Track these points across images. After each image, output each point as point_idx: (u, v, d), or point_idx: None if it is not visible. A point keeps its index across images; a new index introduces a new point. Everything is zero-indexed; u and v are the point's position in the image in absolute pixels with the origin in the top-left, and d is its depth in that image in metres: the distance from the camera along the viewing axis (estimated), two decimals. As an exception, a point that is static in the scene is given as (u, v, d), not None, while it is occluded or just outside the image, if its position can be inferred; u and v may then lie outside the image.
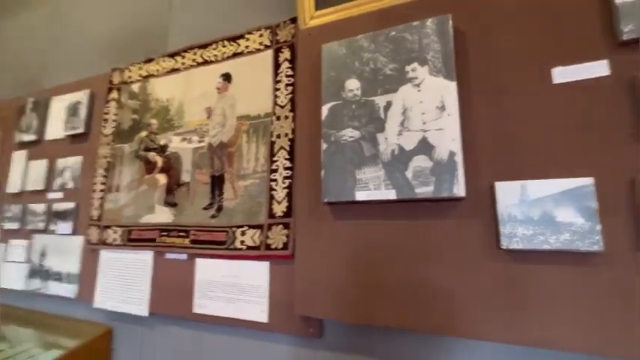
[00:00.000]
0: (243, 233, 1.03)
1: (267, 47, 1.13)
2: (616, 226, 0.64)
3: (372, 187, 0.83)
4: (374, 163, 0.84)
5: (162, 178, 1.23)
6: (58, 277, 1.38)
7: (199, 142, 1.19)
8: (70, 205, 1.42)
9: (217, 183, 1.12)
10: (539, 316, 0.67)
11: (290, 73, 1.07)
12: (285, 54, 1.09)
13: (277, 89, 1.08)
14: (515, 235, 0.70)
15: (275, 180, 1.02)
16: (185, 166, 1.19)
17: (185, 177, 1.19)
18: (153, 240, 1.19)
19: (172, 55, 1.32)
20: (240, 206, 1.06)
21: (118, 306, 1.21)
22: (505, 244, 0.70)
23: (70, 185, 1.45)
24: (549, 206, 0.68)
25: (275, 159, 1.04)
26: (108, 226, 1.29)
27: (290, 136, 1.03)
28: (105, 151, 1.38)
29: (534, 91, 0.74)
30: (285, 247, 0.96)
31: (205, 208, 1.12)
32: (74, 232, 1.40)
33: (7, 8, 2.14)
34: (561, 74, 0.73)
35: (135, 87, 1.38)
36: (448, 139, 0.77)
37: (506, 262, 0.71)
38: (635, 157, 0.65)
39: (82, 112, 1.47)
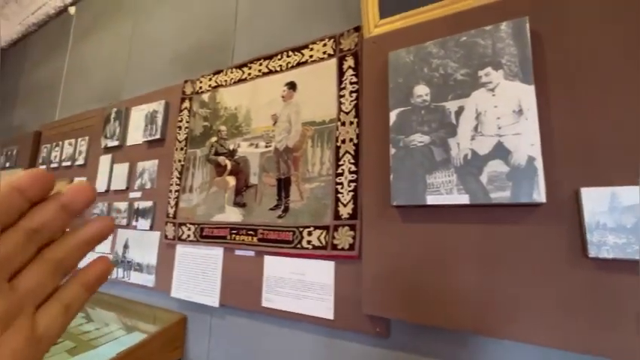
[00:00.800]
0: (309, 233, 1.09)
1: (330, 56, 1.19)
2: None
3: (444, 191, 0.84)
4: (445, 167, 0.85)
5: (231, 181, 1.34)
6: (138, 267, 1.55)
7: (266, 146, 1.27)
8: (148, 203, 1.59)
9: (284, 185, 1.19)
10: (629, 328, 0.64)
11: (354, 80, 1.11)
12: (349, 62, 1.14)
13: (342, 96, 1.13)
14: (605, 244, 0.67)
15: (340, 183, 1.07)
16: (253, 169, 1.29)
17: (253, 179, 1.28)
18: (224, 237, 1.29)
19: (240, 67, 1.42)
20: (306, 207, 1.12)
21: (192, 296, 1.34)
22: (593, 252, 0.68)
23: (148, 186, 1.62)
24: (645, 214, 0.65)
25: (340, 163, 1.08)
26: (182, 224, 1.43)
27: (355, 141, 1.07)
28: (179, 156, 1.53)
29: (622, 93, 0.71)
30: (351, 247, 1.01)
31: (272, 209, 1.20)
32: (152, 228, 1.56)
33: (94, 29, 2.44)
34: (658, 74, 0.69)
35: (205, 97, 1.51)
36: (526, 143, 0.76)
37: (593, 270, 0.69)
38: None
39: (159, 120, 1.64)
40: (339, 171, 1.08)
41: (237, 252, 1.27)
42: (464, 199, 0.81)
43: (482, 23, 0.87)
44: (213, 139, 1.44)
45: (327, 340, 1.05)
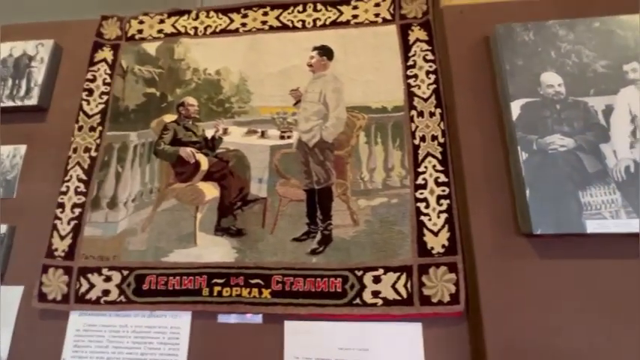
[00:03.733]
0: (377, 280, 0.68)
1: (386, 21, 0.85)
2: None
3: (607, 214, 0.61)
4: (603, 182, 0.62)
5: (210, 190, 0.77)
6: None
7: (282, 137, 0.79)
8: (-6, 229, 0.79)
9: (320, 200, 0.74)
10: None
11: (430, 57, 0.80)
12: (417, 33, 0.83)
13: (412, 76, 0.80)
14: None
15: (424, 200, 0.71)
16: (256, 173, 0.77)
17: (256, 189, 0.76)
18: (196, 292, 0.70)
19: (225, 11, 0.90)
20: (366, 237, 0.70)
21: (111, 418, 0.66)
22: None
23: (-3, 194, 0.83)
24: None
25: (420, 170, 0.73)
26: (89, 269, 0.74)
27: (440, 139, 0.74)
28: (86, 141, 0.83)
29: None
30: (453, 299, 0.65)
31: (299, 240, 0.72)
32: (2, 279, 0.77)
33: None
34: None
35: (150, 47, 0.90)
36: (703, 156, 0.61)
37: None
38: None
39: (35, 74, 0.89)
40: (420, 181, 0.72)
41: (223, 318, 0.70)
42: (635, 225, 0.59)
43: (604, 11, 0.73)
44: (170, 117, 0.84)
45: None
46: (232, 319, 0.70)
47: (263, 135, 0.80)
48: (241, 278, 0.71)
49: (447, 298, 0.65)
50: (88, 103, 0.86)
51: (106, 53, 0.91)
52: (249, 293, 0.70)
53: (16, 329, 0.74)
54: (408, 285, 0.67)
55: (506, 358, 0.60)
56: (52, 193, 0.81)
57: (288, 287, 0.69)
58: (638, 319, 0.59)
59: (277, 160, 0.78)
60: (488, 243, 0.66)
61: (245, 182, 0.77)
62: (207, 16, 0.91)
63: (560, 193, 0.63)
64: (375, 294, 0.67)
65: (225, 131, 0.81)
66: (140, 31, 0.92)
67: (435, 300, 0.65)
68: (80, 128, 0.84)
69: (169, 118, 0.84)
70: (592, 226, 0.60)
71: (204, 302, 0.70)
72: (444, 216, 0.70)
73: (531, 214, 0.62)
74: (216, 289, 0.70)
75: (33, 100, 0.86)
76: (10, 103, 0.87)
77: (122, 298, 0.72)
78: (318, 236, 0.72)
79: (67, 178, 0.81)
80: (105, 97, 0.87)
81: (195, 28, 0.90)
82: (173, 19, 0.92)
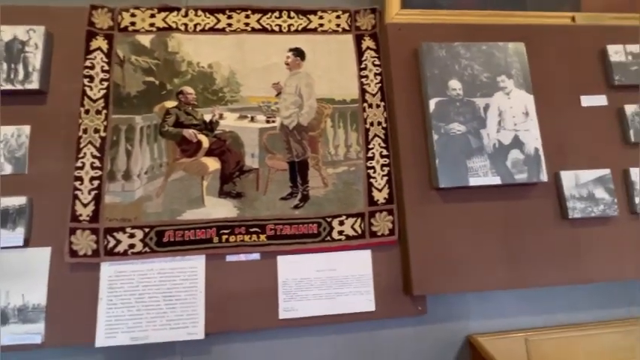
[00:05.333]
0: (341, 223, 0.98)
1: (345, 31, 1.10)
2: (621, 200, 1.04)
3: (481, 174, 0.98)
4: (480, 154, 0.99)
5: (212, 163, 0.98)
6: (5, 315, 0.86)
7: (267, 121, 1.02)
8: (14, 200, 0.91)
9: (299, 169, 1.00)
10: (590, 261, 0.99)
11: (377, 63, 1.08)
12: (368, 42, 1.10)
13: (364, 76, 1.07)
14: (575, 208, 1.00)
15: (372, 167, 1.02)
16: (249, 149, 1.00)
17: (250, 162, 0.99)
18: (207, 241, 0.93)
19: (212, 11, 1.06)
20: (333, 195, 1.00)
21: (148, 336, 0.89)
22: (570, 215, 1.00)
23: (7, 170, 0.93)
24: (591, 187, 1.02)
25: (370, 146, 1.03)
26: (114, 229, 0.92)
27: (384, 124, 1.05)
28: (94, 123, 0.96)
29: (571, 110, 1.08)
30: (391, 232, 0.99)
31: (285, 199, 0.98)
32: (27, 243, 0.91)
33: None
34: (585, 100, 1.09)
35: (144, 39, 1.03)
36: (533, 138, 1.01)
37: (569, 227, 1.01)
38: (625, 157, 1.07)
39: (32, 58, 0.96)
40: (370, 155, 1.03)
41: (230, 258, 0.95)
42: (497, 180, 0.98)
43: (490, 39, 1.07)
44: (171, 103, 1.00)
45: (367, 335, 0.98)
46: (236, 257, 0.95)
47: (252, 119, 1.02)
48: (243, 228, 0.95)
49: (387, 232, 0.98)
50: (91, 88, 0.97)
51: (101, 42, 1.01)
52: (250, 238, 0.95)
53: (50, 282, 0.89)
54: (362, 225, 0.98)
55: (423, 266, 0.96)
56: (64, 169, 0.94)
57: (279, 232, 0.96)
58: (495, 236, 0.98)
59: (265, 140, 1.01)
60: (413, 195, 0.99)
61: (240, 156, 0.99)
62: (196, 15, 1.05)
63: (456, 161, 0.98)
64: (340, 233, 0.98)
65: (220, 116, 1.01)
66: (133, 24, 1.03)
67: (379, 234, 0.98)
68: (87, 111, 0.96)
69: (170, 104, 1.00)
70: (473, 181, 0.97)
71: (215, 247, 0.93)
72: (385, 178, 1.02)
73: (438, 175, 0.96)
74: (224, 237, 0.94)
75: (34, 85, 0.94)
76: (10, 87, 0.94)
77: (147, 249, 0.92)
78: (299, 195, 0.99)
79: (80, 155, 0.94)
80: (105, 84, 0.99)
81: (186, 25, 1.05)
82: (163, 14, 1.05)
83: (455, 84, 1.02)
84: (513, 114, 1.02)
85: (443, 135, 0.99)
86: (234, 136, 1.00)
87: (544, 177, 0.99)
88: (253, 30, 1.07)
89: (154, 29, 1.03)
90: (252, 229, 0.95)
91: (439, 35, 1.07)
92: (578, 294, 1.05)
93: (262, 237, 0.95)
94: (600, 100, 1.10)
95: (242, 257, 0.95)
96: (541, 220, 1.00)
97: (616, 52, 1.11)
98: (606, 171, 1.03)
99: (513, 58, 1.05)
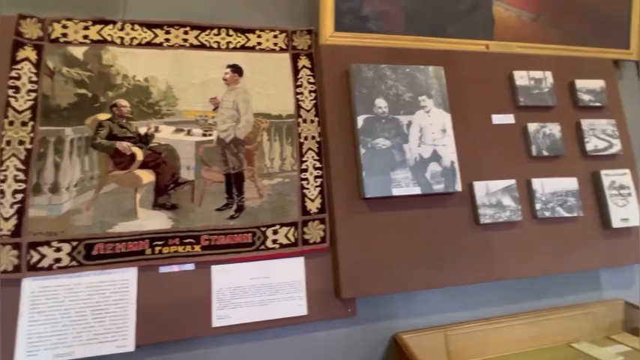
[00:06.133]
0: (275, 232, 1.03)
1: (282, 50, 1.16)
2: (525, 206, 1.18)
3: (404, 184, 1.08)
4: (403, 166, 1.09)
5: (147, 176, 1.00)
6: None
7: (204, 135, 1.05)
8: None
9: (235, 181, 1.04)
10: (500, 261, 1.12)
11: (312, 80, 1.16)
12: (304, 61, 1.17)
13: (299, 93, 1.14)
14: (486, 215, 1.13)
15: (306, 179, 1.08)
16: (185, 162, 1.03)
17: (185, 174, 1.02)
18: (140, 253, 0.94)
19: (150, 26, 1.08)
20: (268, 205, 1.05)
21: (74, 351, 0.88)
22: (481, 220, 1.12)
23: None
24: (499, 196, 1.16)
25: (304, 159, 1.10)
26: (38, 243, 0.90)
27: (317, 138, 1.12)
28: (19, 134, 0.94)
29: (484, 127, 1.22)
30: (322, 240, 1.05)
31: (220, 209, 1.02)
32: (-61, 261, 0.86)
33: None
34: (496, 119, 1.24)
35: (77, 51, 1.02)
36: (449, 152, 1.13)
37: (481, 231, 1.14)
38: (529, 168, 1.22)
39: (-51, 67, 0.93)
40: (304, 167, 1.09)
41: (164, 269, 0.97)
42: (417, 190, 1.08)
43: (414, 62, 1.19)
44: (104, 115, 1.00)
45: (300, 338, 1.03)
46: (170, 269, 0.97)
47: (189, 133, 1.05)
48: (177, 239, 0.97)
49: (319, 240, 1.05)
50: (16, 99, 0.95)
51: (29, 52, 0.99)
52: (184, 249, 0.97)
53: (-35, 300, 0.86)
54: (295, 234, 1.04)
55: (351, 271, 1.03)
56: (-15, 182, 0.91)
57: (213, 242, 0.99)
58: (418, 241, 1.08)
59: (201, 152, 1.04)
60: (343, 205, 1.07)
61: (176, 169, 1.02)
62: (133, 29, 1.07)
63: (381, 173, 1.07)
64: (274, 241, 1.03)
65: (156, 129, 1.02)
66: (64, 35, 1.02)
67: (311, 242, 1.04)
68: (11, 123, 0.94)
69: (104, 116, 1.00)
70: (396, 191, 1.07)
71: (147, 259, 0.95)
72: (318, 189, 1.08)
73: (364, 186, 1.05)
74: (157, 248, 0.96)
75: (-49, 95, 0.91)
76: None
77: (74, 263, 0.91)
78: (235, 206, 1.03)
79: (3, 168, 0.91)
80: (33, 95, 0.97)
81: (122, 38, 1.06)
82: (98, 26, 1.05)
83: (381, 102, 1.12)
84: (432, 130, 1.14)
85: (369, 149, 1.08)
86: (169, 149, 1.02)
87: (458, 187, 1.10)
88: (192, 46, 1.10)
89: (88, 41, 1.04)
90: (186, 240, 0.97)
91: (368, 57, 1.17)
92: (492, 291, 1.18)
93: (197, 247, 0.98)
94: (508, 119, 1.25)
95: (175, 268, 0.97)
96: (457, 225, 1.12)
97: (521, 77, 1.28)
98: (512, 181, 1.18)
99: (433, 80, 1.17)
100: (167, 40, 1.09)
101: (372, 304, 1.09)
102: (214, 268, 0.99)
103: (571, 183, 1.23)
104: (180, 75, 1.07)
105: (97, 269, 0.92)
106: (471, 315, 1.14)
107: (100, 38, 1.05)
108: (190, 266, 0.98)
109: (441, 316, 1.13)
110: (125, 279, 0.94)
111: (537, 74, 1.29)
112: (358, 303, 1.07)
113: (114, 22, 1.06)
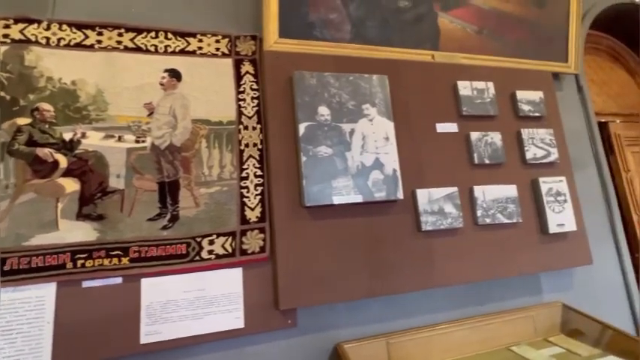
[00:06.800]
0: (211, 242, 1.00)
1: (225, 55, 1.14)
2: (467, 213, 1.21)
3: (345, 192, 1.08)
4: (345, 174, 1.09)
5: (70, 184, 0.94)
6: None
7: (137, 141, 1.01)
8: None
9: (169, 190, 1.00)
10: (441, 267, 1.14)
11: (255, 87, 1.14)
12: (247, 67, 1.15)
13: (242, 99, 1.12)
14: (427, 222, 1.15)
15: (246, 187, 1.06)
16: (114, 170, 0.98)
17: (115, 183, 0.97)
18: (60, 267, 0.88)
19: (80, 26, 1.03)
20: (204, 214, 1.01)
21: (-22, 376, 0.81)
22: (423, 228, 1.14)
23: None
24: (441, 203, 1.18)
25: (245, 167, 1.07)
26: (-60, 259, 0.82)
27: (259, 146, 1.10)
28: None
29: (428, 135, 1.25)
30: (262, 250, 1.03)
31: (152, 219, 0.97)
32: None
33: None
34: (440, 127, 1.27)
35: (-5, 51, 0.96)
36: (392, 160, 1.14)
37: (423, 239, 1.15)
38: (471, 176, 1.25)
39: None
40: (244, 175, 1.07)
41: (87, 284, 0.91)
42: (359, 199, 1.08)
43: (359, 70, 1.20)
44: (24, 120, 0.94)
45: (237, 351, 1.00)
46: (93, 283, 0.91)
47: (120, 139, 1.00)
48: (102, 252, 0.92)
49: (257, 250, 1.02)
50: None
51: (-62, 51, 0.92)
52: (110, 262, 0.92)
53: None
54: (233, 244, 1.01)
55: (291, 281, 1.01)
56: None
57: (144, 254, 0.94)
58: (360, 249, 1.08)
59: (133, 160, 1.00)
60: (284, 213, 1.05)
61: (104, 177, 0.97)
62: (60, 29, 1.01)
63: (322, 181, 1.06)
64: (210, 252, 0.99)
65: (83, 135, 0.97)
66: (-19, 34, 0.96)
67: (250, 252, 1.02)
68: None
69: (23, 121, 0.94)
70: (337, 200, 1.06)
71: (68, 273, 0.89)
72: (258, 197, 1.06)
73: (305, 194, 1.04)
74: (80, 262, 0.90)
75: None
76: None
77: (-18, 279, 0.84)
78: (168, 216, 0.99)
79: None
80: (-59, 97, 0.90)
81: (47, 39, 1.00)
82: (21, 25, 0.99)
83: (324, 110, 1.11)
84: (375, 138, 1.14)
85: (311, 157, 1.07)
86: (98, 156, 0.97)
87: (400, 195, 1.11)
88: (126, 48, 1.05)
89: (9, 41, 0.97)
90: (113, 253, 0.92)
91: (313, 64, 1.16)
92: (435, 297, 1.19)
93: (124, 260, 0.93)
94: (452, 128, 1.28)
95: (98, 283, 0.91)
96: (399, 233, 1.13)
97: (464, 87, 1.31)
98: (454, 188, 1.20)
99: (377, 88, 1.18)
100: (99, 41, 1.04)
101: (314, 314, 1.07)
102: (144, 282, 0.94)
103: (511, 190, 1.27)
104: (112, 78, 1.02)
105: (9, 286, 0.85)
106: (413, 322, 1.15)
107: (23, 38, 0.98)
108: (117, 280, 0.93)
109: (384, 324, 1.12)
110: (41, 296, 0.87)
111: (480, 85, 1.34)
112: (299, 313, 1.05)
113: (39, 22, 1.00)
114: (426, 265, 1.13)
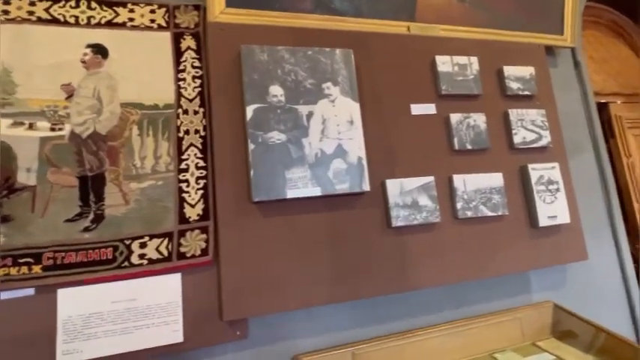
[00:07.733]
0: (142, 245, 0.86)
1: (162, 28, 0.98)
2: (445, 206, 1.07)
3: (301, 185, 0.93)
4: (301, 164, 0.95)
5: (-31, 181, 0.80)
6: None
7: (52, 129, 0.86)
8: None
9: (92, 186, 0.86)
10: (414, 268, 1.00)
11: (197, 64, 0.99)
12: (189, 42, 1.00)
13: (181, 79, 0.97)
14: (399, 217, 1.01)
15: (186, 181, 0.92)
16: (24, 163, 0.83)
17: (24, 178, 0.83)
18: (-46, 278, 0.75)
19: (-19, -6, 0.87)
20: (135, 213, 0.87)
21: None
22: (394, 223, 1.00)
23: None
24: (415, 195, 1.04)
25: (184, 157, 0.93)
26: None
27: (202, 133, 0.96)
28: None
29: (401, 118, 1.10)
30: (204, 252, 0.89)
31: (71, 220, 0.84)
32: None
33: None
34: (415, 109, 1.11)
35: None
36: (357, 147, 0.99)
37: (394, 236, 1.01)
38: (450, 163, 1.11)
39: None
40: (183, 166, 0.92)
41: (-8, 297, 0.78)
42: (317, 192, 0.94)
43: (321, 44, 1.04)
44: None
45: (175, 370, 0.87)
46: (2, 296, 0.78)
47: (31, 127, 0.85)
48: (9, 259, 0.78)
49: (198, 253, 0.89)
50: None
51: None
52: (19, 271, 0.78)
53: None
54: (169, 246, 0.87)
55: (237, 287, 0.88)
56: None
57: (59, 261, 0.81)
58: (320, 249, 0.94)
59: (48, 151, 0.85)
60: (229, 210, 0.91)
61: (11, 172, 0.82)
62: (-44, -3, 0.86)
63: (273, 173, 0.92)
64: (142, 256, 0.86)
65: (-15, 122, 0.83)
66: None
67: (189, 255, 0.88)
68: None
69: None
70: (291, 193, 0.92)
71: (-35, 285, 0.75)
72: (200, 192, 0.92)
73: (252, 187, 0.89)
74: (-19, 271, 0.76)
75: None
76: None
77: None
78: (91, 216, 0.85)
79: None
80: None
81: (-60, 9, 0.85)
82: None
83: (276, 90, 0.96)
84: (337, 122, 0.99)
85: (260, 144, 0.92)
86: (3, 147, 0.83)
87: (366, 186, 0.97)
88: (40, 20, 0.90)
89: None
90: (22, 260, 0.79)
91: (266, 38, 1.01)
92: (408, 301, 1.06)
93: (36, 268, 0.79)
94: (429, 109, 1.13)
95: (5, 295, 0.78)
96: (366, 230, 0.99)
97: (443, 63, 1.15)
98: (430, 178, 1.06)
99: (340, 64, 1.03)
100: (6, 12, 0.88)
101: (268, 323, 0.94)
102: (61, 292, 0.81)
103: (496, 179, 1.12)
104: (22, 56, 0.87)
105: None
106: (383, 329, 1.02)
107: None
108: (29, 291, 0.79)
109: (349, 332, 1.00)
110: None
111: (462, 60, 1.18)
112: (251, 323, 0.92)
113: None
114: (398, 266, 1.00)
